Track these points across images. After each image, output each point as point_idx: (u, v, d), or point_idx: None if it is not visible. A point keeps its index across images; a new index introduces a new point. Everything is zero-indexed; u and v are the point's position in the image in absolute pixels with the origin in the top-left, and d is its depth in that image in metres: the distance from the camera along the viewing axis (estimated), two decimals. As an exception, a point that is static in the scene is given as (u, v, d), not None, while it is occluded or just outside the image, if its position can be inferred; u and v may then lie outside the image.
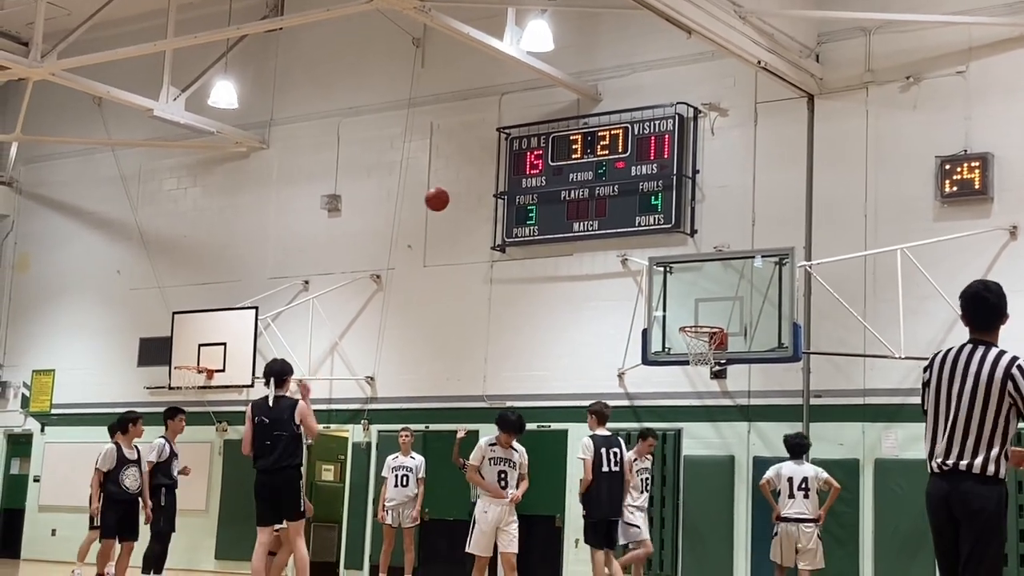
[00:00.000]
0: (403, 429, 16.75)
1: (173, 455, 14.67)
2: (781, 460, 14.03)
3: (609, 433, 12.96)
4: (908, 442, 14.78)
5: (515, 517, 12.02)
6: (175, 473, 14.70)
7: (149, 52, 18.01)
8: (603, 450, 12.75)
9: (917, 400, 14.57)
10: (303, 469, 11.98)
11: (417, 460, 16.46)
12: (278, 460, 11.35)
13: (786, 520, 13.56)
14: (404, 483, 16.26)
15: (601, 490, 12.66)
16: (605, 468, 12.65)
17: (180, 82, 19.26)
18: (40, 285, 22.83)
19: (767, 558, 14.03)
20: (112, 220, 22.17)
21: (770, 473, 13.77)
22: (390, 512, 16.18)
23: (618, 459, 12.72)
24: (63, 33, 18.53)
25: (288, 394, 11.77)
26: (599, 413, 13.15)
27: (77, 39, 18.36)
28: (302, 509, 11.62)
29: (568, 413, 16.43)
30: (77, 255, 22.47)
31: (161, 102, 19.01)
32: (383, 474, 16.42)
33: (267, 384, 11.70)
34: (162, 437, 14.72)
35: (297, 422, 11.45)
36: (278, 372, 11.66)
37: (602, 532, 12.81)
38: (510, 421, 11.95)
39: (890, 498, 14.74)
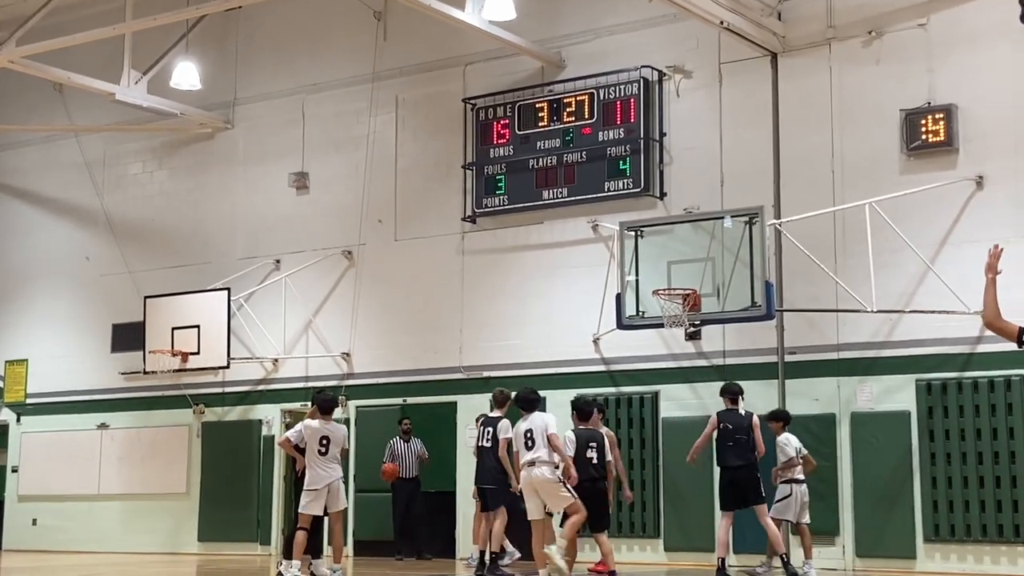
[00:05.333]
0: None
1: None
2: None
3: (498, 415, 13.68)
4: (883, 395, 14.92)
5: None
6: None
7: (108, 36, 17.84)
8: (480, 428, 13.90)
9: (891, 352, 14.87)
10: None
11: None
12: None
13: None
14: None
15: (478, 462, 13.92)
16: (479, 443, 13.78)
17: (141, 65, 19.12)
18: (8, 275, 22.66)
19: (748, 517, 14.13)
20: (78, 207, 22.02)
21: None
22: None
23: (490, 436, 13.61)
24: (20, 20, 18.32)
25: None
26: (494, 398, 14.19)
27: (35, 25, 18.14)
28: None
29: (545, 380, 16.45)
30: (44, 243, 22.33)
31: (123, 86, 18.87)
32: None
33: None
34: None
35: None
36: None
37: (481, 497, 14.03)
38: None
39: (867, 450, 14.89)
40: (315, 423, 13.03)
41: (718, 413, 13.54)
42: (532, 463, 11.69)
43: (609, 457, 11.79)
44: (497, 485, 13.73)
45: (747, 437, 13.22)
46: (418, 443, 17.06)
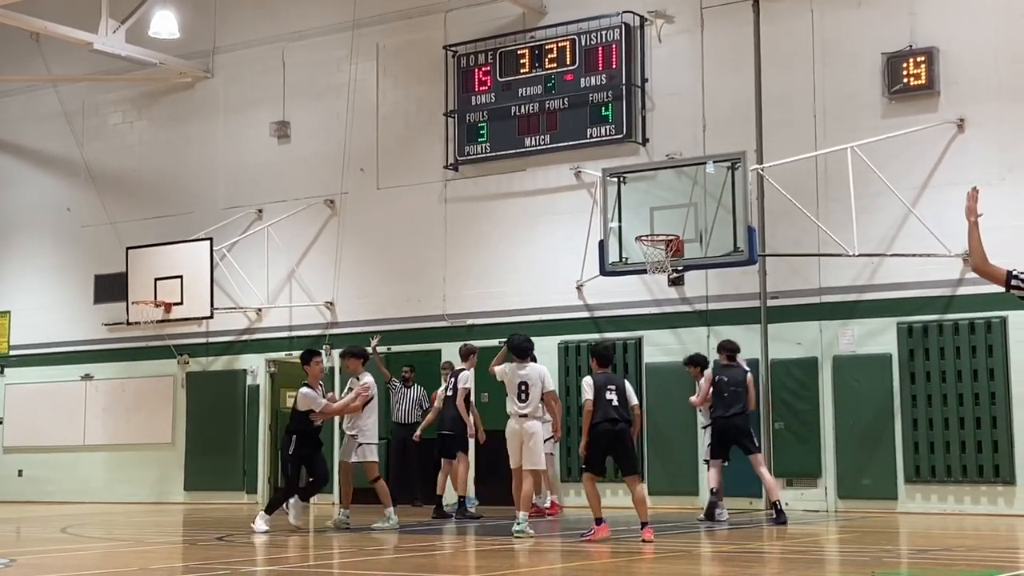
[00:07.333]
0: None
1: None
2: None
3: (463, 368, 14.41)
4: (864, 338, 15.02)
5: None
6: (315, 422, 13.19)
7: (85, -16, 17.68)
8: (447, 380, 14.84)
9: (872, 296, 14.94)
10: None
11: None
12: None
13: None
14: None
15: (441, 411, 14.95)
16: (444, 394, 14.68)
17: (119, 14, 18.95)
18: (-11, 227, 22.56)
19: (732, 460, 14.23)
20: (58, 157, 21.89)
21: None
22: None
23: (451, 388, 14.52)
24: (-5, -32, 18.12)
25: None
26: (459, 351, 14.83)
27: (10, -26, 17.97)
28: None
29: (529, 327, 16.47)
30: (25, 195, 22.20)
31: (101, 35, 18.71)
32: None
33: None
34: (304, 384, 13.21)
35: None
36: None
37: (440, 444, 14.89)
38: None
39: (849, 393, 15.00)
40: (370, 378, 13.14)
41: (713, 368, 13.57)
42: (525, 416, 11.74)
43: (634, 401, 11.69)
44: (455, 432, 14.50)
45: (742, 390, 13.25)
46: (419, 390, 17.05)
